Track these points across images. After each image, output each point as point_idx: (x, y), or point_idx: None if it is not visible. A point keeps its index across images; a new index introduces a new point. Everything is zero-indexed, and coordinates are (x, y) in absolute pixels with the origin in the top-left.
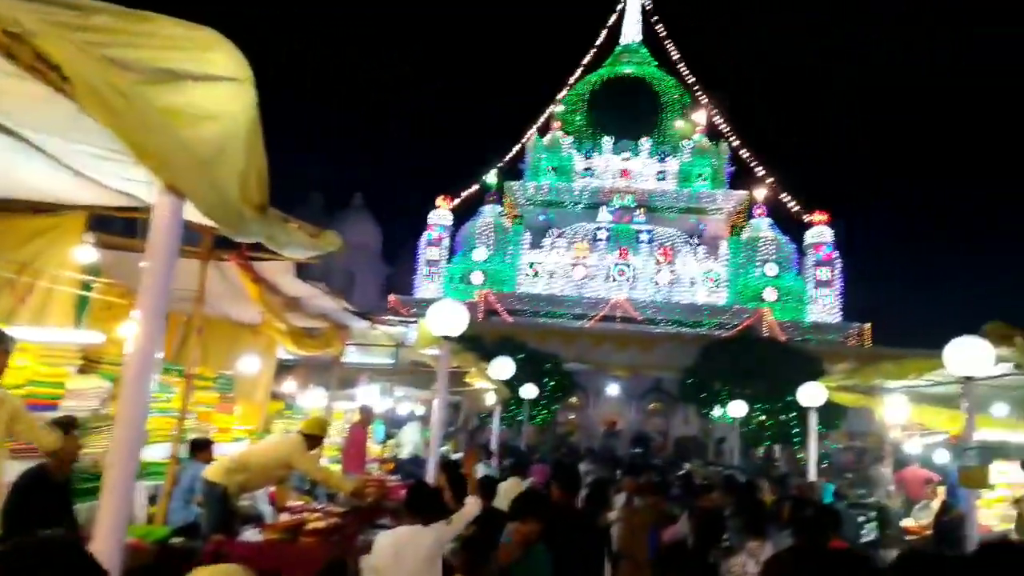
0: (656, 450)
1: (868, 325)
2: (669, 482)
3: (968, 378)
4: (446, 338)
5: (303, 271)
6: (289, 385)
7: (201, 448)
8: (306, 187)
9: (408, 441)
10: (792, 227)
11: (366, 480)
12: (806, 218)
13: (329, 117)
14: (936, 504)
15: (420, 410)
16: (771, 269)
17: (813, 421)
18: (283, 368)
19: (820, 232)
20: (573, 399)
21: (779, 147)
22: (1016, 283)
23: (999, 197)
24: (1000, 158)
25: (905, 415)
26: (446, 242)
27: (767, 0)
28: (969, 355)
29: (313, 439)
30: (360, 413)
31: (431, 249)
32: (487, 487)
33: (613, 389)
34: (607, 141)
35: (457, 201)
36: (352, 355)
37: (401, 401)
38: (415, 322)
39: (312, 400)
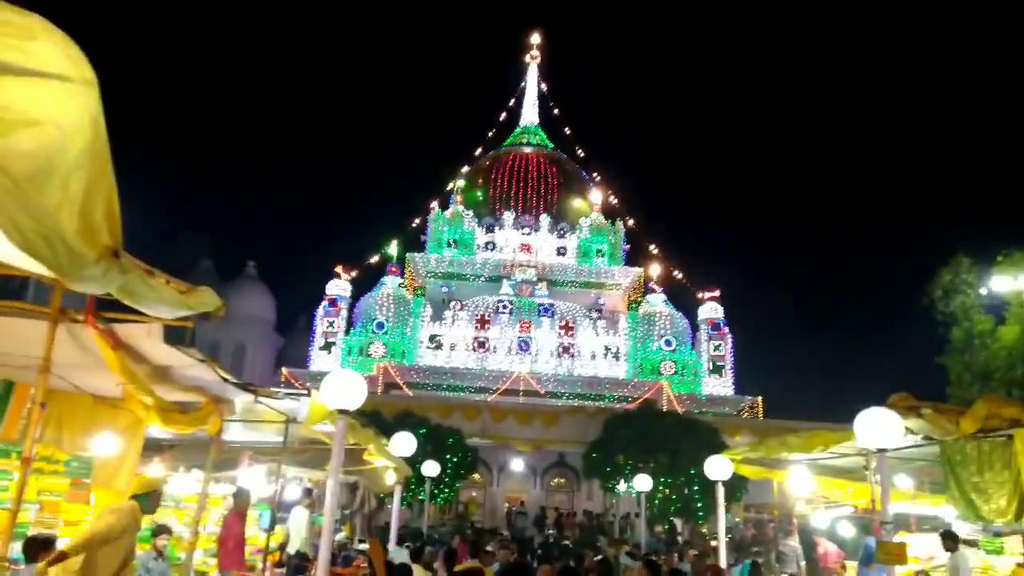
0: (567, 528)
1: (760, 398)
2: (587, 567)
3: (881, 450)
4: (342, 412)
5: (176, 338)
6: (157, 468)
7: (41, 548)
8: (195, 255)
9: (295, 529)
10: (686, 303)
11: None
12: (698, 295)
13: (223, 183)
14: None
15: (311, 492)
16: (667, 344)
17: (720, 494)
18: (152, 448)
19: (712, 308)
20: (476, 476)
21: (672, 227)
22: (897, 359)
23: (885, 276)
24: (884, 239)
25: (810, 487)
26: (344, 313)
27: (657, 90)
28: (879, 426)
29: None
30: (235, 499)
31: (328, 320)
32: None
33: (517, 464)
34: (508, 216)
35: (356, 272)
36: (234, 432)
37: (291, 483)
38: (307, 395)
39: (186, 484)
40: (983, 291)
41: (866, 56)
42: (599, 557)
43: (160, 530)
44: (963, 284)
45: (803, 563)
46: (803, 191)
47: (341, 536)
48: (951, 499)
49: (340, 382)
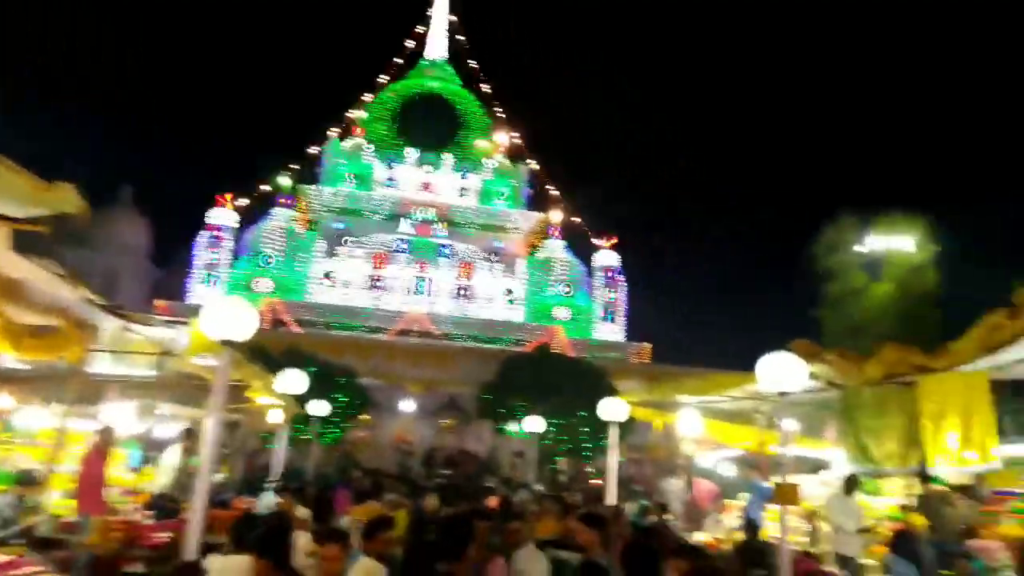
0: (460, 467)
1: (648, 345)
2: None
3: (783, 393)
4: (227, 344)
5: (28, 247)
6: (5, 400)
7: None
8: (63, 177)
9: (163, 469)
10: (584, 249)
11: (107, 524)
12: (596, 241)
13: (97, 102)
14: (726, 518)
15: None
16: (564, 289)
17: (614, 435)
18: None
19: (608, 255)
20: (365, 416)
21: (574, 173)
22: (782, 312)
23: (776, 231)
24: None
25: (699, 430)
26: (229, 245)
27: (569, 33)
28: (783, 370)
29: None
30: (97, 437)
31: (211, 252)
32: None
33: (408, 405)
34: (410, 153)
35: (244, 202)
36: (101, 364)
37: (165, 421)
38: (186, 324)
39: (40, 419)
40: (860, 249)
41: (760, 7)
42: (498, 495)
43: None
44: (844, 242)
45: (685, 500)
46: (707, 145)
47: (220, 478)
48: (845, 443)
49: (226, 310)
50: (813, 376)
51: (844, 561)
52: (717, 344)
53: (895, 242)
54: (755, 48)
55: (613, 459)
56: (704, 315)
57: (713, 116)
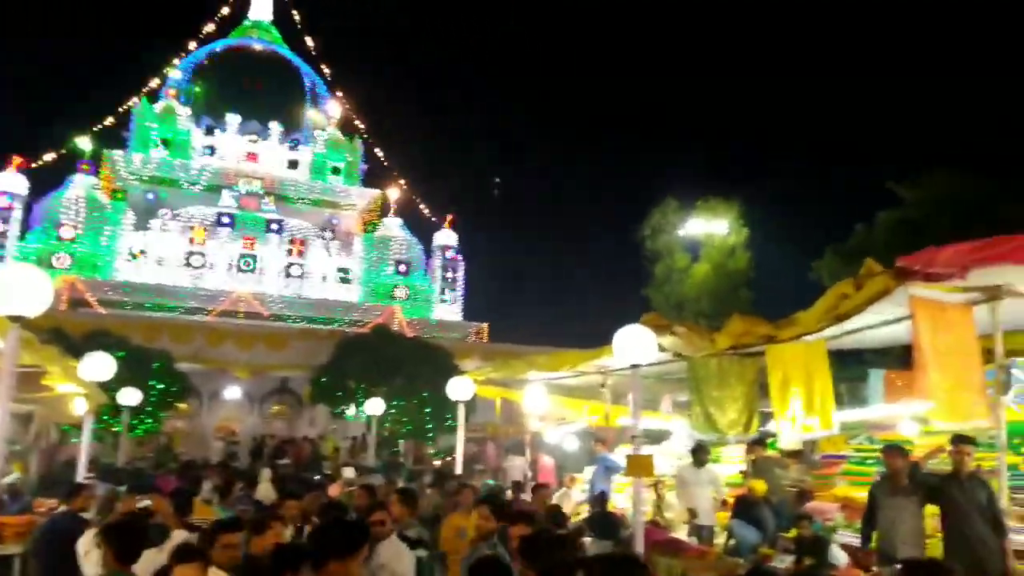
0: (288, 456)
1: (486, 324)
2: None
3: (635, 365)
4: (15, 320)
5: None
6: None
7: None
8: None
9: None
10: (421, 228)
11: None
12: (434, 220)
13: None
14: (573, 491)
15: None
16: (401, 268)
17: (462, 415)
18: None
19: (447, 235)
20: (184, 405)
21: (413, 149)
22: (614, 292)
23: (611, 213)
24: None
25: (545, 406)
26: (17, 214)
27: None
28: (636, 343)
29: None
30: None
31: None
32: None
33: (232, 392)
34: (232, 120)
35: (36, 165)
36: None
37: None
38: None
39: None
40: (681, 232)
41: None
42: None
43: None
44: (668, 224)
45: (529, 475)
46: (547, 125)
47: (12, 478)
48: (692, 413)
49: (13, 280)
50: (661, 348)
51: (699, 529)
52: (552, 323)
53: (712, 226)
54: (594, 30)
55: (461, 438)
56: (540, 295)
57: (557, 95)
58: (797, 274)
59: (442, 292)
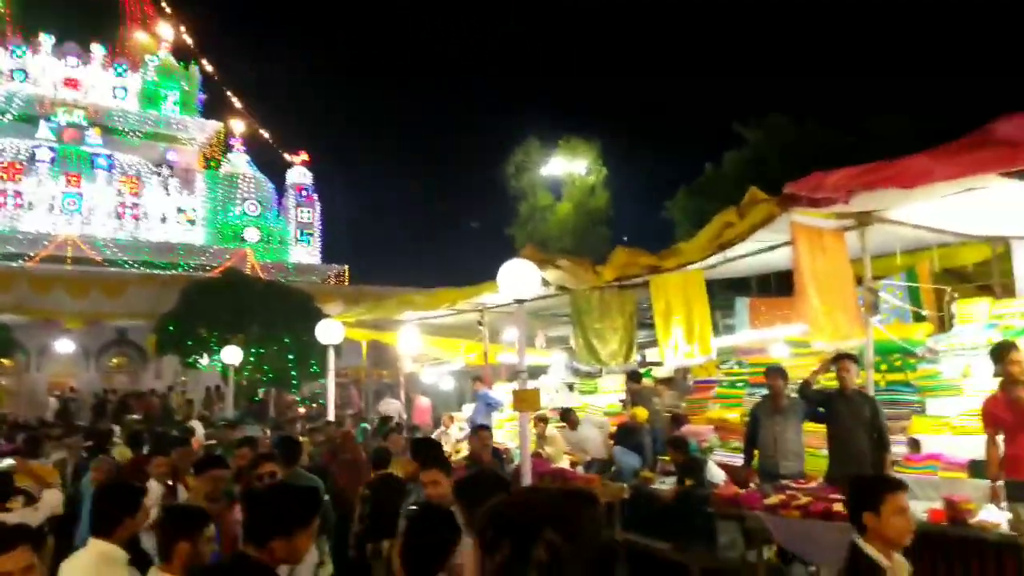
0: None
1: (346, 266)
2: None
3: (519, 300)
4: None
5: None
6: None
7: None
8: None
9: None
10: (272, 166)
11: None
12: (287, 157)
13: None
14: (452, 430)
15: None
16: (252, 208)
17: (331, 360)
18: None
19: (300, 172)
20: (7, 360)
21: (260, 80)
22: (479, 231)
23: (477, 151)
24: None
25: (420, 346)
26: None
27: None
28: (520, 277)
29: None
30: None
31: None
32: None
33: (64, 345)
34: (46, 41)
35: None
36: None
37: None
38: None
39: None
40: (544, 171)
41: None
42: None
43: None
44: (531, 164)
45: (405, 416)
46: (408, 58)
47: None
48: (575, 346)
49: None
50: (544, 283)
51: (590, 462)
52: (416, 265)
53: (573, 165)
54: None
55: (332, 383)
56: (402, 236)
57: (416, 27)
58: (652, 212)
59: (299, 234)
